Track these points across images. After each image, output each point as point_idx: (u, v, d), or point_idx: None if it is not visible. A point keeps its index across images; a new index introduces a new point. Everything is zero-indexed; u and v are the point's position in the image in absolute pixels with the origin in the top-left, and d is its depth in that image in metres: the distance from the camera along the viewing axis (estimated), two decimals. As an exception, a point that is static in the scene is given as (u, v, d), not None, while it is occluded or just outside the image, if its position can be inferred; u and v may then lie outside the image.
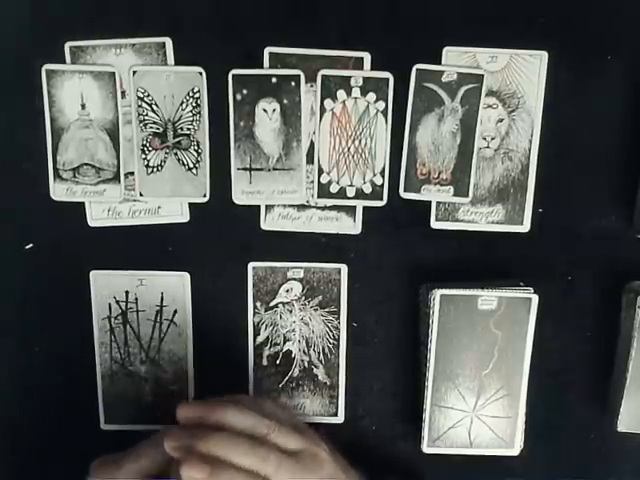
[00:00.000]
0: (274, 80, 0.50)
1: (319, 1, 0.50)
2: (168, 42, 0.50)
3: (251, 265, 0.53)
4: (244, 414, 0.45)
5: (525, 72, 0.50)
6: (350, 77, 0.51)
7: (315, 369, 0.54)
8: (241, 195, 0.52)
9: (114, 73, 0.50)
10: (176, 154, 0.52)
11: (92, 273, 0.53)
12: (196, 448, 0.42)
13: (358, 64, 0.51)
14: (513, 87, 0.51)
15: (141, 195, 0.52)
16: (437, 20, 0.50)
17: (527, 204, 0.52)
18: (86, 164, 0.51)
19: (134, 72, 0.51)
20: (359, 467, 0.50)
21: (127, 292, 0.53)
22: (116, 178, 0.52)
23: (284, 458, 0.44)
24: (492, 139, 0.51)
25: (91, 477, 0.46)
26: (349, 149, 0.51)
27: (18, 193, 0.52)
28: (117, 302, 0.53)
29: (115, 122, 0.51)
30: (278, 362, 0.54)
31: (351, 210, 0.52)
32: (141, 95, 0.51)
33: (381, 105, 0.51)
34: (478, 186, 0.52)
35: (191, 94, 0.51)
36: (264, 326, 0.53)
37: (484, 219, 0.52)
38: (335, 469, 0.46)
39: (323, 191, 0.52)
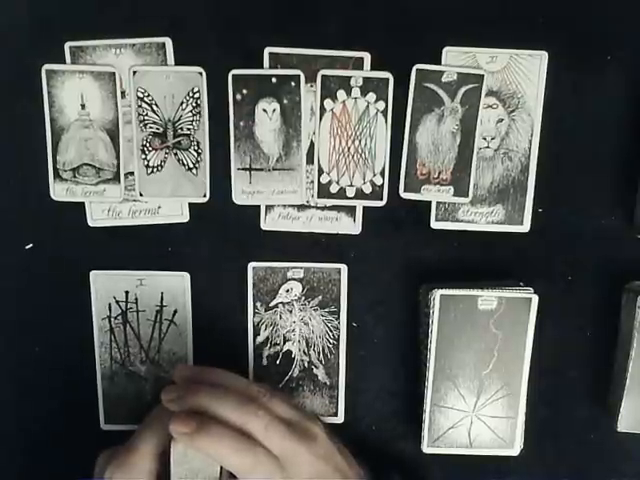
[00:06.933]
0: (274, 80, 0.50)
1: (319, 1, 0.51)
2: (168, 42, 0.51)
3: (251, 265, 0.53)
4: (236, 377, 0.46)
5: (525, 72, 0.50)
6: (350, 77, 0.51)
7: (315, 369, 0.54)
8: (241, 195, 0.52)
9: (114, 73, 0.50)
10: (176, 154, 0.52)
11: (92, 273, 0.53)
12: (187, 400, 0.43)
13: (358, 64, 0.51)
14: (513, 87, 0.51)
15: (141, 195, 0.52)
16: (437, 20, 0.50)
17: (527, 204, 0.52)
18: (86, 164, 0.51)
19: (134, 72, 0.51)
20: (364, 466, 0.50)
21: (127, 292, 0.53)
22: (116, 178, 0.52)
23: (274, 419, 0.43)
24: (492, 139, 0.51)
25: (100, 472, 0.45)
26: (349, 149, 0.51)
27: (18, 193, 0.52)
28: (117, 302, 0.53)
29: (115, 122, 0.51)
30: (278, 362, 0.54)
31: (351, 210, 0.52)
32: (141, 95, 0.51)
33: (381, 105, 0.51)
34: (478, 186, 0.52)
35: (191, 94, 0.51)
36: (264, 326, 0.53)
37: (484, 219, 0.52)
38: (332, 450, 0.46)
39: (323, 191, 0.52)
